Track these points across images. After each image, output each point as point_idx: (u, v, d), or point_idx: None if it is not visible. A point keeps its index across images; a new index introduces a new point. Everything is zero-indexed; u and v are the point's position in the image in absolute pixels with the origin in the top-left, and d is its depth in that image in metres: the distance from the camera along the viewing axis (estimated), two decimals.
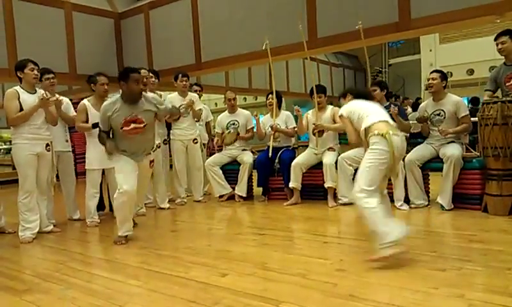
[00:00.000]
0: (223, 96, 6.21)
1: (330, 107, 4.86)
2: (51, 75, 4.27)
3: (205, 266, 2.74)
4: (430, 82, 4.17)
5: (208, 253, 3.07)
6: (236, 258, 2.90)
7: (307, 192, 4.89)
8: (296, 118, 5.05)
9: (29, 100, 3.73)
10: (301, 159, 4.79)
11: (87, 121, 4.24)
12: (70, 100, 4.69)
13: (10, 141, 6.52)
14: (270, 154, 4.94)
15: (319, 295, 2.16)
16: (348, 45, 5.77)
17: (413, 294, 2.07)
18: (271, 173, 5.08)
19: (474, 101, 9.21)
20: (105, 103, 3.53)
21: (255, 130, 5.39)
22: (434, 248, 2.84)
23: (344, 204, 4.45)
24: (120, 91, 3.46)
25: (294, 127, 5.12)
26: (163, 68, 6.86)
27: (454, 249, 2.88)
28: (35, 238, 3.80)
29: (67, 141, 4.52)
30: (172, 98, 5.10)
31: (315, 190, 4.85)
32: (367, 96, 3.23)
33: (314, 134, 4.73)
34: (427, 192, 4.28)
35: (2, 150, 16.11)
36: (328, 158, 4.60)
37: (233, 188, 5.26)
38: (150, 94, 3.96)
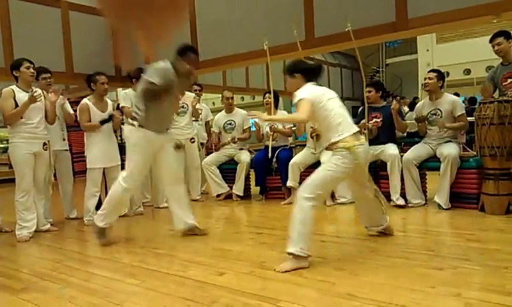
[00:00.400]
0: (220, 95, 6.21)
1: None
2: (48, 75, 4.27)
3: (202, 265, 2.74)
4: (426, 81, 4.20)
5: (205, 252, 3.07)
6: (234, 256, 2.90)
7: None
8: None
9: (25, 98, 3.72)
10: (299, 158, 4.80)
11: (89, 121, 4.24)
12: (68, 99, 4.68)
13: (7, 140, 6.50)
14: (270, 155, 4.94)
15: (317, 293, 2.16)
16: (345, 44, 5.75)
17: (410, 293, 2.07)
18: (269, 172, 5.08)
19: (472, 101, 9.26)
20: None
21: (252, 129, 5.40)
22: (431, 247, 2.85)
23: (342, 203, 4.46)
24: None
25: (291, 127, 5.13)
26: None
27: (451, 248, 2.89)
28: (32, 237, 3.79)
29: (64, 139, 4.52)
30: None
31: None
32: (319, 71, 2.89)
33: (312, 137, 4.74)
34: (425, 192, 4.30)
35: None
36: (326, 158, 4.59)
37: (231, 188, 5.26)
38: None
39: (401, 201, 4.13)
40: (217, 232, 3.89)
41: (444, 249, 2.86)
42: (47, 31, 6.72)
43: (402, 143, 5.12)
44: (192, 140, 5.19)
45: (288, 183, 4.74)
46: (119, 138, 5.89)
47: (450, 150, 3.92)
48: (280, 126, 5.03)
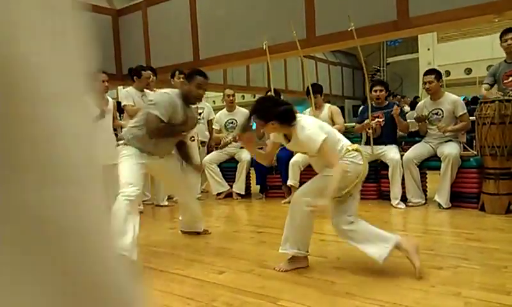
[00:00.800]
0: (221, 94, 6.21)
1: (327, 105, 4.87)
2: None
3: (202, 263, 2.74)
4: (427, 86, 4.18)
5: (205, 251, 3.07)
6: (234, 255, 2.90)
7: None
8: None
9: None
10: (299, 158, 4.79)
11: None
12: None
13: None
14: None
15: (317, 292, 2.16)
16: (346, 43, 5.76)
17: (410, 292, 2.07)
18: (269, 171, 5.08)
19: (474, 100, 9.25)
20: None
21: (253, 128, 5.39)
22: (431, 246, 2.86)
23: None
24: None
25: None
26: (161, 65, 6.85)
27: (451, 247, 2.89)
28: None
29: None
30: None
31: None
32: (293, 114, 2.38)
33: None
34: (425, 191, 4.31)
35: None
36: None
37: (231, 186, 5.26)
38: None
39: (401, 205, 4.12)
40: (217, 231, 3.89)
41: (444, 249, 2.86)
42: None
43: (403, 142, 5.12)
44: (192, 138, 5.18)
45: (289, 182, 4.74)
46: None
47: (450, 150, 3.92)
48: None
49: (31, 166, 0.35)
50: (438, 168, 4.00)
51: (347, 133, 5.03)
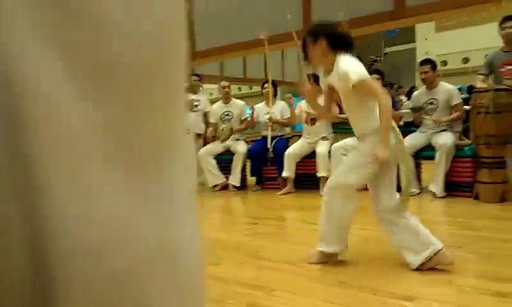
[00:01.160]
0: (217, 85, 6.20)
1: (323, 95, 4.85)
2: None
3: None
4: (423, 76, 4.19)
5: (201, 242, 3.08)
6: (229, 246, 2.91)
7: (300, 182, 4.90)
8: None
9: None
10: (295, 149, 4.80)
11: None
12: None
13: None
14: (269, 145, 4.95)
15: (310, 282, 2.17)
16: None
17: (403, 280, 2.09)
18: (265, 163, 5.09)
19: (471, 89, 9.23)
20: None
21: (248, 115, 5.40)
22: None
23: None
24: None
25: (289, 117, 5.13)
26: None
27: (445, 235, 2.90)
28: None
29: None
30: None
31: (308, 179, 4.86)
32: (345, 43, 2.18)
33: (307, 123, 4.74)
34: (420, 180, 4.32)
35: None
36: (321, 148, 4.61)
37: (227, 178, 5.27)
38: None
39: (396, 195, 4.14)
40: (212, 223, 3.90)
41: (438, 237, 2.84)
42: None
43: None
44: (187, 131, 5.18)
45: (284, 174, 4.75)
46: None
47: (445, 139, 3.94)
48: (285, 118, 5.08)
49: None
50: (433, 158, 4.01)
51: (343, 123, 5.03)
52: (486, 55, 4.42)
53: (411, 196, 4.11)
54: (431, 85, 4.23)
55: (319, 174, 4.59)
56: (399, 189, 3.94)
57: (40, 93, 0.35)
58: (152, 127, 0.42)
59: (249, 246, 2.90)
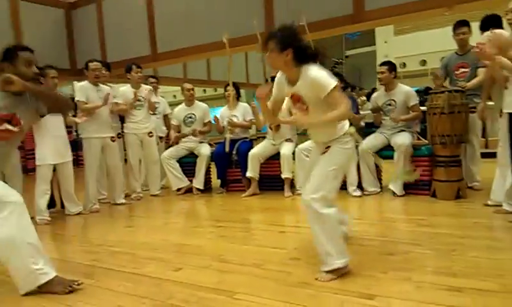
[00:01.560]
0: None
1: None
2: None
3: (160, 261, 2.69)
4: (380, 76, 4.32)
5: (164, 248, 3.02)
6: (192, 251, 2.87)
7: (265, 183, 4.91)
8: None
9: None
10: (259, 150, 4.81)
11: None
12: None
13: None
14: (227, 149, 4.92)
15: (273, 284, 2.17)
16: (306, 36, 5.82)
17: (363, 279, 2.13)
18: (229, 165, 5.06)
19: (427, 91, 9.56)
20: None
21: (213, 123, 5.36)
22: (384, 233, 2.94)
23: (301, 194, 4.50)
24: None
25: (251, 119, 5.12)
26: (117, 60, 6.66)
27: (404, 233, 2.99)
28: None
29: None
30: (125, 91, 4.95)
31: (273, 181, 4.87)
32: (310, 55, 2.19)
33: (271, 128, 4.76)
34: (380, 180, 4.43)
35: None
36: (286, 149, 4.63)
37: (191, 181, 5.20)
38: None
39: (357, 193, 4.24)
40: (176, 227, 3.85)
41: (397, 235, 2.95)
42: None
43: (362, 133, 5.23)
44: (151, 134, 5.08)
45: (248, 174, 4.74)
46: (75, 133, 5.71)
47: (403, 139, 4.05)
48: (247, 120, 5.07)
49: None
50: (392, 157, 4.12)
51: None
52: (443, 57, 4.58)
53: (372, 194, 4.22)
54: (389, 87, 4.34)
55: (283, 176, 4.61)
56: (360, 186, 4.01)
57: None
58: None
59: (213, 250, 2.87)
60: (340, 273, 2.16)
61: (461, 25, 4.16)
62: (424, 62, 13.07)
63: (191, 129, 5.22)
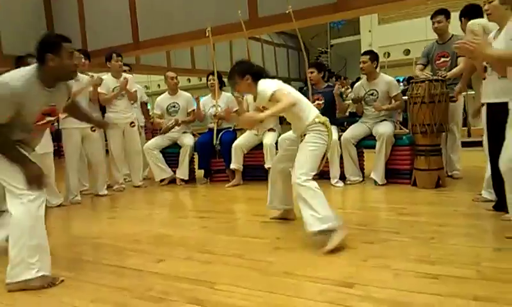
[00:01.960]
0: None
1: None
2: None
3: (142, 253, 2.68)
4: (361, 65, 4.33)
5: (146, 239, 3.00)
6: (174, 242, 2.86)
7: (249, 173, 4.92)
8: None
9: None
10: (242, 140, 4.80)
11: None
12: None
13: None
14: (215, 141, 4.90)
15: (255, 273, 2.18)
16: (289, 25, 5.77)
17: (343, 267, 2.15)
18: (213, 155, 5.04)
19: (409, 80, 9.66)
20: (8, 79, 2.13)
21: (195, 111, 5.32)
22: (365, 222, 2.97)
23: (351, 183, 4.40)
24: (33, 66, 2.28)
25: (236, 110, 5.09)
26: (98, 48, 6.53)
27: (384, 221, 3.03)
28: None
29: None
30: (106, 80, 4.86)
31: (256, 170, 4.88)
32: (265, 74, 2.83)
33: None
34: (362, 169, 4.47)
35: None
36: (268, 139, 4.63)
37: (175, 172, 5.17)
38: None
39: (340, 184, 4.26)
40: (159, 218, 3.83)
41: (377, 223, 2.98)
42: None
43: (345, 123, 5.26)
44: (133, 124, 5.01)
45: (232, 166, 4.73)
46: (56, 124, 5.59)
47: (385, 129, 4.09)
48: (232, 111, 5.06)
49: None
50: (374, 147, 4.15)
51: None
52: (425, 47, 4.59)
53: (355, 183, 4.26)
54: (371, 76, 4.36)
55: (266, 166, 4.61)
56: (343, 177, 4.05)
57: None
58: None
59: (195, 241, 2.86)
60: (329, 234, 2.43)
61: (437, 13, 4.19)
62: (407, 52, 13.15)
63: (174, 119, 5.17)
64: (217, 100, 5.06)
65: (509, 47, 2.33)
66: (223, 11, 5.59)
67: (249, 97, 4.91)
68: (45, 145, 4.13)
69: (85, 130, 4.45)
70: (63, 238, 3.26)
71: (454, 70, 4.01)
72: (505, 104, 2.38)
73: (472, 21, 3.19)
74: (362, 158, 4.51)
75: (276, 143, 4.58)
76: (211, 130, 5.06)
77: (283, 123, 5.04)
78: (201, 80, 14.41)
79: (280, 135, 4.63)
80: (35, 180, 2.21)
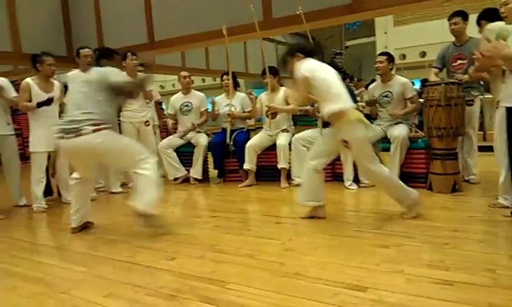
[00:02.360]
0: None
1: (283, 88, 4.86)
2: None
3: (154, 250, 2.70)
4: (377, 65, 4.29)
5: (158, 237, 3.01)
6: (187, 240, 2.88)
7: (262, 174, 4.92)
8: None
9: None
10: (255, 141, 4.80)
11: (30, 101, 4.05)
12: (15, 81, 4.45)
13: None
14: (228, 140, 4.92)
15: (266, 274, 2.18)
16: (304, 26, 5.77)
17: (355, 271, 2.13)
18: (226, 155, 5.06)
19: (424, 83, 9.53)
20: None
21: (209, 111, 5.34)
22: (379, 225, 2.95)
23: (298, 184, 4.50)
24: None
25: (250, 110, 5.10)
26: (114, 48, 6.59)
27: (398, 226, 2.99)
28: None
29: (9, 124, 4.29)
30: None
31: (269, 171, 4.88)
32: (317, 52, 3.20)
33: (267, 116, 4.74)
34: None
35: None
36: (282, 140, 4.63)
37: (188, 171, 5.20)
38: None
39: (353, 187, 4.22)
40: (172, 216, 3.83)
41: (391, 227, 2.95)
42: None
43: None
44: (147, 123, 5.05)
45: (245, 166, 4.74)
46: None
47: (400, 131, 4.04)
48: (246, 111, 5.08)
49: None
50: (389, 149, 4.11)
51: (302, 115, 5.08)
52: None
53: (368, 187, 4.23)
54: (385, 78, 4.32)
55: (279, 166, 4.61)
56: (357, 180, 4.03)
57: None
58: None
59: (208, 240, 2.88)
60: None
61: (454, 15, 4.13)
62: (423, 54, 13.00)
63: (191, 124, 5.20)
64: (231, 100, 5.07)
65: None
66: (238, 11, 5.59)
67: (262, 96, 4.93)
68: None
69: None
70: (78, 233, 3.29)
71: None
72: None
73: (488, 25, 3.14)
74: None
75: (290, 144, 4.57)
76: (224, 129, 5.08)
77: (297, 124, 5.04)
78: (215, 80, 14.48)
79: (293, 135, 4.62)
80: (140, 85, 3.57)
